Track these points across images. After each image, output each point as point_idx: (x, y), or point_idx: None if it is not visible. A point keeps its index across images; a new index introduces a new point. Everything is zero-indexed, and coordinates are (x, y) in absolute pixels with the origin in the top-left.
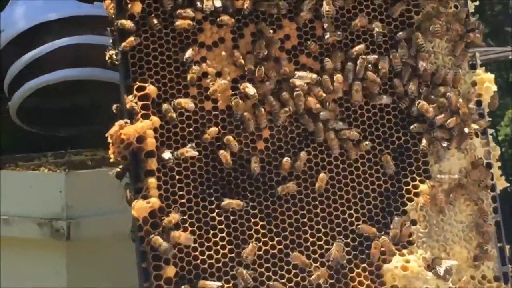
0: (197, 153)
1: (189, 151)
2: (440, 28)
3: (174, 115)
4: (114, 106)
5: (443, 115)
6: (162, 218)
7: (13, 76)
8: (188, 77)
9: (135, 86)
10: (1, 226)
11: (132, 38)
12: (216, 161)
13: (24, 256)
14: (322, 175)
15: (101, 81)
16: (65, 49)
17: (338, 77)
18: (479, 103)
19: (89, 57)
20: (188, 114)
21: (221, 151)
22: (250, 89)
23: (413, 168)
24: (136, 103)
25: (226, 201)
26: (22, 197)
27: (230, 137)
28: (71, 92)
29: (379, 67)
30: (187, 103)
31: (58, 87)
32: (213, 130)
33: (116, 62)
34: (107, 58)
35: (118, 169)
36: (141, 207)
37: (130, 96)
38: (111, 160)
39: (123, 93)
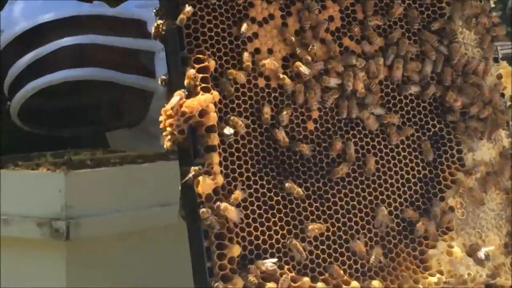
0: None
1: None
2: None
3: (232, 89)
4: (161, 79)
5: (476, 106)
6: (227, 195)
7: (14, 77)
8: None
9: (193, 58)
10: (0, 226)
11: (189, 9)
12: (270, 140)
13: (23, 256)
14: (370, 158)
15: (103, 81)
16: (67, 49)
17: (380, 60)
18: (502, 95)
19: (91, 57)
20: (243, 90)
21: (276, 130)
22: (304, 69)
23: (448, 155)
24: (195, 78)
25: (289, 184)
26: (21, 197)
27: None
28: (72, 92)
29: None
30: (239, 74)
31: (59, 87)
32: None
33: (163, 33)
34: (153, 29)
35: (169, 144)
36: (206, 184)
37: (192, 71)
38: (165, 133)
39: (174, 65)
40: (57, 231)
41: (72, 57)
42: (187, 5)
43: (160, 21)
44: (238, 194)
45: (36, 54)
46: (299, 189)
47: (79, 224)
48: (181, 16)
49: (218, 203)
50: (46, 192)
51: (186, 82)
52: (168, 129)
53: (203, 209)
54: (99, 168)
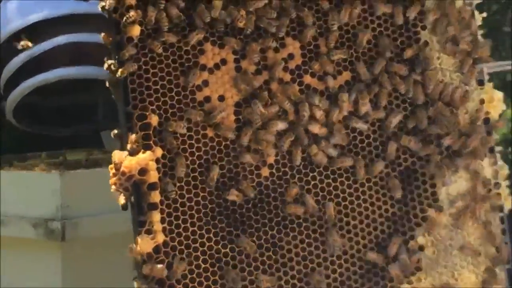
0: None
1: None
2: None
3: (175, 142)
4: (113, 133)
5: (450, 136)
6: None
7: (9, 75)
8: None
9: (136, 115)
10: None
11: (130, 64)
12: (220, 191)
13: (19, 256)
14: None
15: (98, 79)
16: (63, 48)
17: (344, 96)
18: (486, 121)
19: (87, 55)
20: (195, 144)
21: (233, 192)
22: (254, 115)
23: (421, 191)
24: (137, 142)
25: (241, 239)
26: (17, 197)
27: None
28: (68, 90)
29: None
30: (179, 125)
31: (55, 86)
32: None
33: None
34: (107, 85)
35: (123, 201)
36: (145, 243)
37: (133, 137)
38: (112, 191)
39: (122, 120)
40: (52, 232)
41: (67, 55)
42: (130, 61)
43: (108, 77)
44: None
45: (31, 53)
46: (252, 244)
47: (75, 225)
48: (121, 70)
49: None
50: (42, 193)
51: (128, 146)
52: (113, 187)
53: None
54: (95, 169)
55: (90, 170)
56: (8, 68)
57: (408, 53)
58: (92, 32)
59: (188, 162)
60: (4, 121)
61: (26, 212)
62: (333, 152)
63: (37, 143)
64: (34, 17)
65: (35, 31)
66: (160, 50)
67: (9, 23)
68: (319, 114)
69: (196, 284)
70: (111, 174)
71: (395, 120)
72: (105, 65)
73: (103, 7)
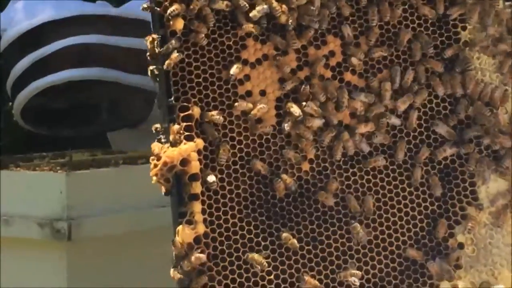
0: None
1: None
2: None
3: (216, 133)
4: (154, 127)
5: (490, 136)
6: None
7: (16, 76)
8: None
9: (178, 106)
10: (1, 227)
11: (176, 55)
12: (261, 184)
13: (24, 256)
14: (367, 198)
15: (106, 81)
16: (71, 49)
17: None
18: None
19: (95, 57)
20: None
21: (279, 181)
22: (295, 109)
23: (460, 189)
24: (179, 133)
25: (285, 234)
26: (22, 197)
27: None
28: (75, 91)
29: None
30: (215, 115)
31: (62, 87)
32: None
33: (157, 79)
34: (149, 74)
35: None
36: (186, 233)
37: (176, 127)
38: (153, 182)
39: (165, 112)
40: (58, 232)
41: (75, 57)
42: (175, 52)
43: (151, 67)
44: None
45: (39, 54)
46: (294, 240)
47: (80, 225)
48: (168, 61)
49: None
50: (47, 193)
51: (171, 137)
52: (154, 178)
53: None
54: (100, 169)
55: (96, 170)
56: (16, 69)
57: (448, 52)
58: (100, 33)
59: (230, 154)
60: (10, 122)
61: (31, 212)
62: (365, 148)
63: (42, 144)
64: (42, 18)
65: (43, 33)
66: (204, 43)
67: (17, 24)
68: (359, 107)
69: (236, 276)
70: (151, 166)
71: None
72: (147, 54)
73: (144, 7)
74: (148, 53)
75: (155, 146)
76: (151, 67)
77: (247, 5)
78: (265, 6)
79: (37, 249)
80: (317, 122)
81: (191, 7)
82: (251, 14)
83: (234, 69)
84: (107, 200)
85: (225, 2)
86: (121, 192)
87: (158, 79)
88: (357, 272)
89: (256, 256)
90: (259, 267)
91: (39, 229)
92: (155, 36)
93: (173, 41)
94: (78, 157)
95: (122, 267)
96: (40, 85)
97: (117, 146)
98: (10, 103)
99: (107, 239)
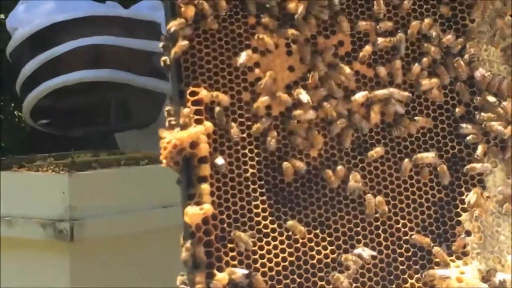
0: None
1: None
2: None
3: (224, 118)
4: (166, 109)
5: (497, 125)
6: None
7: (26, 76)
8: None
9: (188, 91)
10: (4, 227)
11: (183, 43)
12: (269, 168)
13: (27, 257)
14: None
15: (116, 82)
16: (82, 50)
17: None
18: None
19: (105, 58)
20: (245, 121)
21: (286, 164)
22: (304, 96)
23: (468, 178)
24: (189, 116)
25: (291, 223)
26: (25, 198)
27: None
28: (85, 92)
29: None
30: (223, 97)
31: (73, 87)
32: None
33: (168, 69)
34: (162, 65)
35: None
36: (194, 214)
37: (186, 110)
38: (163, 165)
39: (175, 96)
40: (61, 232)
41: (86, 58)
42: (181, 39)
43: (164, 58)
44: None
45: (50, 54)
46: (301, 228)
47: (83, 225)
48: (175, 49)
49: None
50: (50, 194)
51: (181, 120)
52: (164, 161)
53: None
54: (103, 170)
55: (99, 171)
56: (27, 69)
57: (455, 45)
58: (111, 35)
59: (239, 138)
60: (12, 123)
61: (34, 213)
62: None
63: (44, 145)
64: (53, 19)
65: (54, 33)
66: (214, 30)
67: (28, 24)
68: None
69: (243, 257)
70: (161, 150)
71: None
72: (160, 44)
73: None
74: (161, 45)
75: (163, 131)
76: (163, 58)
77: None
78: None
79: (40, 249)
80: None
81: None
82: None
83: (243, 57)
84: (109, 201)
85: None
86: (123, 193)
87: (169, 70)
88: (356, 258)
89: (242, 235)
90: (244, 246)
91: (41, 230)
92: (163, 58)
93: (185, 29)
94: (81, 158)
95: (124, 268)
96: (50, 86)
97: (125, 147)
98: (13, 104)
99: (110, 240)
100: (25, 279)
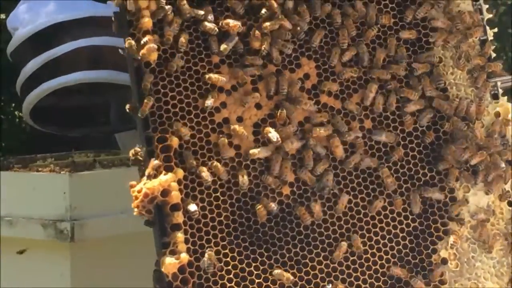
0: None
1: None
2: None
3: (193, 161)
4: (132, 152)
5: (468, 151)
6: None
7: (27, 76)
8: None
9: (156, 137)
10: (5, 227)
11: (147, 101)
12: (242, 210)
13: (28, 257)
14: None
15: (116, 83)
16: (83, 50)
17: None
18: (502, 134)
19: (106, 59)
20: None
21: (259, 207)
22: (273, 135)
23: (441, 205)
24: (157, 168)
25: (278, 271)
26: (26, 198)
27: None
28: (85, 92)
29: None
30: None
31: (73, 87)
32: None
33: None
34: (127, 111)
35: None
36: (170, 264)
37: (155, 162)
38: (135, 213)
39: (143, 142)
40: (61, 232)
41: (87, 58)
42: (148, 97)
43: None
44: None
45: (51, 54)
46: (289, 275)
47: (84, 225)
48: (143, 108)
49: None
50: (51, 194)
51: (147, 171)
52: (136, 209)
53: None
54: (103, 170)
55: (99, 171)
56: (27, 68)
57: (420, 69)
58: (111, 35)
59: (210, 183)
60: (13, 123)
61: (35, 213)
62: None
63: (45, 146)
64: (54, 19)
65: (54, 33)
66: (178, 73)
67: (29, 24)
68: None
69: None
70: (133, 198)
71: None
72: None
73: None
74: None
75: (133, 184)
76: (127, 106)
77: (216, 29)
78: (235, 38)
79: (41, 249)
80: (296, 144)
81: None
82: (221, 48)
83: (210, 100)
84: (110, 201)
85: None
86: (124, 193)
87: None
88: None
89: (213, 255)
90: (214, 264)
91: (42, 230)
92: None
93: (148, 74)
94: (81, 158)
95: (125, 268)
96: (51, 86)
97: (125, 148)
98: (13, 104)
99: (110, 240)
100: (26, 279)
